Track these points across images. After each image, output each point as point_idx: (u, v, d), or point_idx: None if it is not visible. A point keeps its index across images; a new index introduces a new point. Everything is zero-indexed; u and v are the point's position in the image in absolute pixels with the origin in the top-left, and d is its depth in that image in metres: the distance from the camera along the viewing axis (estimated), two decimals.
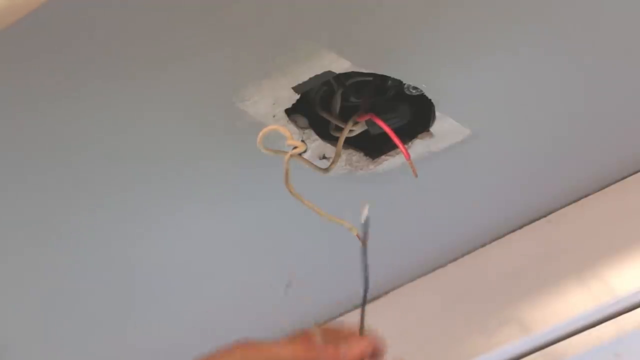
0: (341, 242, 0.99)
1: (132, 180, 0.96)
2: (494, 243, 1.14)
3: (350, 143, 0.97)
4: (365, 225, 0.81)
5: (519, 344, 1.10)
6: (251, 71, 0.86)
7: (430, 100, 0.92)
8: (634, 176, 1.08)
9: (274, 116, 0.91)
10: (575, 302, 1.08)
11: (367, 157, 0.98)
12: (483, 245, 1.14)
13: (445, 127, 0.95)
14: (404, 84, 0.91)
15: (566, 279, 1.09)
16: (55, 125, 0.88)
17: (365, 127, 0.93)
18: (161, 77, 0.85)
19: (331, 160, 0.93)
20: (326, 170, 0.93)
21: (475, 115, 0.95)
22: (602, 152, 1.04)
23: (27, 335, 1.16)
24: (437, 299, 1.16)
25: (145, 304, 1.15)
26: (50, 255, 1.04)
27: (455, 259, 1.16)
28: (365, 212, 0.80)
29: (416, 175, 0.93)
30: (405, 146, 0.94)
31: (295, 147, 0.87)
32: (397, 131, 0.91)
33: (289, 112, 0.91)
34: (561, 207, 1.11)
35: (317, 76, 0.87)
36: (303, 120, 0.93)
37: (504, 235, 1.13)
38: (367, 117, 0.91)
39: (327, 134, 0.94)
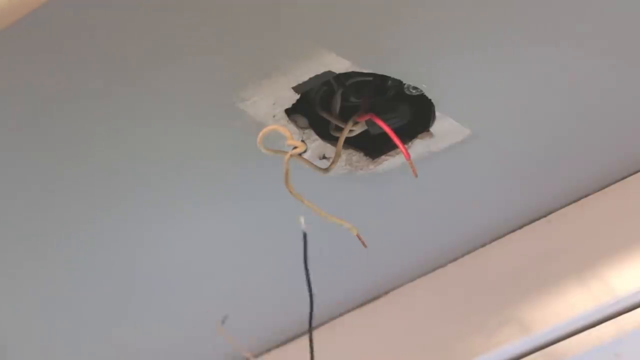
0: (341, 242, 0.99)
1: (131, 180, 0.96)
2: (494, 243, 1.14)
3: (350, 143, 0.97)
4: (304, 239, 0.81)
5: (519, 344, 1.10)
6: (251, 71, 0.86)
7: (430, 100, 0.92)
8: (634, 176, 1.08)
9: (274, 116, 0.91)
10: (575, 302, 1.08)
11: (367, 157, 0.98)
12: (483, 245, 1.14)
13: (445, 127, 0.95)
14: (404, 84, 0.91)
15: (566, 279, 1.09)
16: (55, 126, 0.88)
17: (365, 127, 0.93)
18: (161, 77, 0.85)
19: (331, 160, 0.93)
20: (326, 170, 0.93)
21: (475, 115, 0.95)
22: (602, 152, 1.04)
23: (27, 335, 1.16)
24: (437, 299, 1.16)
25: (145, 304, 1.15)
26: (50, 256, 1.04)
27: (455, 259, 1.16)
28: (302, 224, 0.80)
29: (416, 175, 0.93)
30: (405, 146, 0.94)
31: (295, 147, 0.87)
32: (397, 131, 0.91)
33: (289, 112, 0.91)
34: (561, 207, 1.11)
35: (317, 76, 0.87)
36: (303, 120, 0.93)
37: (504, 235, 1.13)
38: (367, 117, 0.91)
39: (327, 134, 0.94)
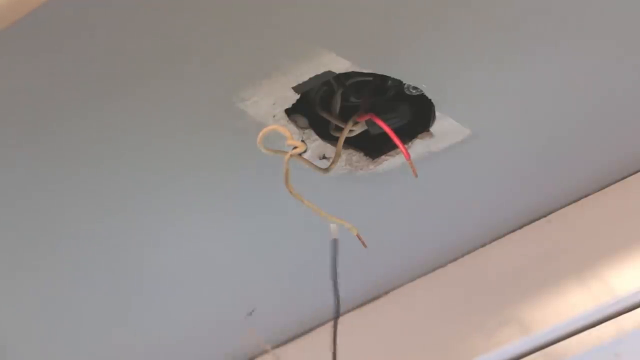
0: (341, 242, 0.99)
1: (131, 180, 0.96)
2: (494, 243, 1.14)
3: (350, 143, 0.97)
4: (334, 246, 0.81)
5: (519, 344, 1.10)
6: (251, 71, 0.86)
7: (430, 100, 0.92)
8: (634, 176, 1.08)
9: (274, 116, 0.91)
10: (575, 302, 1.08)
11: (367, 157, 0.98)
12: (483, 245, 1.14)
13: (445, 127, 0.95)
14: (404, 84, 0.91)
15: (566, 279, 1.09)
16: (55, 127, 0.88)
17: (365, 127, 0.93)
18: (161, 77, 0.85)
19: (331, 160, 0.93)
20: (326, 170, 0.93)
21: (475, 115, 0.95)
22: (602, 152, 1.04)
23: (27, 335, 1.16)
24: (437, 299, 1.16)
25: (145, 304, 1.15)
26: (50, 256, 1.04)
27: (455, 259, 1.16)
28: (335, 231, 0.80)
29: (416, 175, 0.93)
30: (405, 146, 0.94)
31: (295, 147, 0.87)
32: (397, 131, 0.91)
33: (289, 112, 0.91)
34: (561, 207, 1.11)
35: (317, 76, 0.87)
36: (303, 120, 0.93)
37: (504, 235, 1.13)
38: (367, 117, 0.91)
39: (327, 134, 0.95)
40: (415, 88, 0.91)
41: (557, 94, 0.95)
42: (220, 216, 1.04)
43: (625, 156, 1.06)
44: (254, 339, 0.98)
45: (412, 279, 1.18)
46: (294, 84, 0.88)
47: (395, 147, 0.95)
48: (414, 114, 0.94)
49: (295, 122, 0.93)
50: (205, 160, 0.96)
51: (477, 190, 1.07)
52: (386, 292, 1.19)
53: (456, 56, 0.87)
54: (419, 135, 0.96)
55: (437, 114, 0.93)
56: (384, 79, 0.91)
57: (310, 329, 1.21)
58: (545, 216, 1.11)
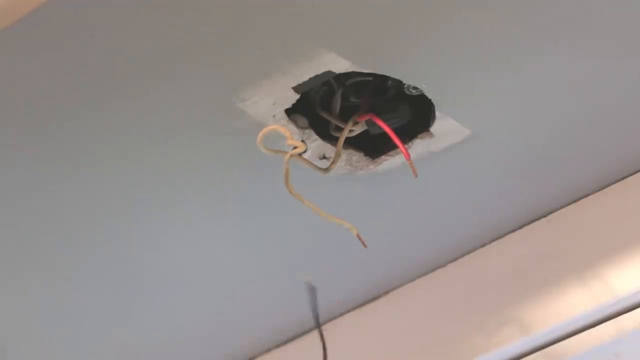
0: (341, 242, 0.99)
1: (130, 179, 0.96)
2: (494, 243, 1.14)
3: (350, 143, 0.97)
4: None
5: (519, 344, 1.10)
6: (251, 71, 0.86)
7: (430, 100, 0.92)
8: (634, 176, 1.08)
9: (274, 116, 0.91)
10: (575, 302, 1.08)
11: (367, 157, 0.98)
12: (483, 245, 1.14)
13: (445, 127, 0.95)
14: (404, 84, 0.91)
15: (566, 279, 1.09)
16: (54, 127, 0.88)
17: (365, 127, 0.93)
18: (161, 77, 0.85)
19: (331, 160, 0.93)
20: (326, 170, 0.93)
21: (475, 115, 0.95)
22: (602, 152, 1.04)
23: (27, 335, 1.16)
24: (437, 299, 1.16)
25: (145, 304, 1.15)
26: (50, 258, 1.04)
27: (455, 259, 1.16)
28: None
29: (416, 175, 0.93)
30: (405, 146, 0.94)
31: (295, 147, 0.87)
32: (397, 131, 0.91)
33: (289, 112, 0.91)
34: (561, 207, 1.11)
35: (317, 76, 0.87)
36: (303, 120, 0.93)
37: (504, 235, 1.13)
38: (367, 117, 0.91)
39: (327, 134, 0.94)
40: (415, 88, 0.91)
41: (557, 94, 0.95)
42: (220, 216, 1.04)
43: (625, 156, 1.06)
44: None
45: (412, 279, 1.18)
46: (294, 84, 0.88)
47: (395, 147, 0.95)
48: (414, 114, 0.94)
49: (295, 122, 0.93)
50: (205, 160, 0.96)
51: (477, 190, 1.07)
52: (386, 292, 1.19)
53: (456, 56, 0.87)
54: (419, 135, 0.96)
55: (437, 114, 0.93)
56: (384, 79, 0.91)
57: (310, 329, 1.21)
58: (545, 216, 1.11)
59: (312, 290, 0.81)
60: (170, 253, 1.08)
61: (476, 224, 1.12)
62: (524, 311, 1.10)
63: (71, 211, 0.99)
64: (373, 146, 0.98)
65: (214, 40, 0.82)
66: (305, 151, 0.88)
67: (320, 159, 0.96)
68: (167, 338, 1.21)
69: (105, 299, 1.12)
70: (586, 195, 1.10)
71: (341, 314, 1.20)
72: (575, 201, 1.10)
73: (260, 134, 0.87)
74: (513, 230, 1.13)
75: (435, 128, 0.95)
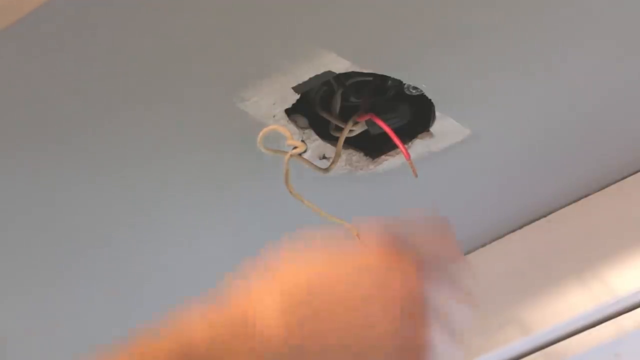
0: None
1: (129, 179, 0.96)
2: (494, 243, 1.14)
3: (350, 143, 0.96)
4: None
5: (519, 344, 1.10)
6: (251, 71, 0.86)
7: (430, 100, 0.92)
8: (634, 176, 1.08)
9: (274, 116, 0.91)
10: (575, 302, 1.08)
11: (367, 157, 0.98)
12: (483, 245, 1.14)
13: (445, 127, 0.95)
14: (404, 84, 0.91)
15: (566, 279, 1.09)
16: (54, 127, 0.88)
17: (365, 127, 0.93)
18: (161, 77, 0.85)
19: (331, 160, 0.93)
20: (326, 170, 0.93)
21: (475, 115, 0.95)
22: (602, 152, 1.04)
23: (27, 335, 1.16)
24: None
25: (146, 304, 1.15)
26: (51, 258, 1.04)
27: None
28: None
29: (416, 175, 0.93)
30: (405, 146, 0.94)
31: (295, 147, 0.87)
32: (397, 131, 0.91)
33: (289, 112, 0.91)
34: (561, 207, 1.11)
35: (317, 76, 0.87)
36: (303, 120, 0.93)
37: (504, 235, 1.13)
38: (367, 117, 0.91)
39: (327, 134, 0.94)
40: (415, 88, 0.91)
41: (557, 95, 0.95)
42: (220, 216, 1.04)
43: (625, 156, 1.06)
44: None
45: None
46: (294, 84, 0.88)
47: (395, 147, 0.95)
48: (414, 114, 0.94)
49: (295, 122, 0.92)
50: (205, 160, 0.96)
51: (477, 190, 1.07)
52: None
53: (457, 56, 0.87)
54: (419, 135, 0.96)
55: (437, 114, 0.93)
56: (384, 79, 0.91)
57: None
58: (545, 216, 1.11)
59: None
60: (170, 253, 1.08)
61: (476, 224, 1.12)
62: (524, 311, 1.10)
63: (71, 212, 0.99)
64: (373, 146, 0.98)
65: (214, 40, 0.82)
66: (305, 151, 0.88)
67: (320, 159, 0.96)
68: None
69: (106, 299, 1.12)
70: (586, 195, 1.09)
71: None
72: (575, 201, 1.10)
73: (261, 134, 0.87)
74: (513, 230, 1.13)
75: (435, 128, 0.95)
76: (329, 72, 0.87)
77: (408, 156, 0.92)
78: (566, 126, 0.99)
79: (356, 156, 0.98)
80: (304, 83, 0.88)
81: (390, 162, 0.98)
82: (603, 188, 1.09)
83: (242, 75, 0.86)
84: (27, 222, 0.99)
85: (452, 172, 1.02)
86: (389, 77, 0.90)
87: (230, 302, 0.62)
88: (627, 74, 0.94)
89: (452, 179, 1.04)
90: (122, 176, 0.95)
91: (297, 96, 0.89)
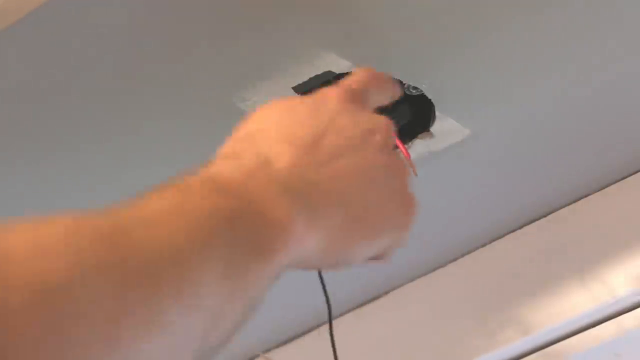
0: None
1: (129, 179, 0.96)
2: (494, 243, 1.14)
3: None
4: None
5: (519, 344, 1.10)
6: (251, 71, 0.86)
7: (430, 100, 0.92)
8: (634, 176, 1.08)
9: None
10: (575, 302, 1.08)
11: None
12: (483, 245, 1.14)
13: (445, 127, 0.95)
14: (404, 84, 0.91)
15: (566, 279, 1.09)
16: (54, 127, 0.88)
17: None
18: (161, 77, 0.85)
19: None
20: None
21: (475, 115, 0.95)
22: (602, 152, 1.04)
23: None
24: (437, 299, 1.16)
25: None
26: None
27: (455, 259, 1.16)
28: None
29: (416, 175, 0.93)
30: (405, 146, 0.94)
31: None
32: (397, 131, 0.91)
33: None
34: (561, 207, 1.11)
35: (317, 76, 0.87)
36: None
37: (504, 235, 1.13)
38: None
39: None
40: (415, 88, 0.91)
41: (557, 95, 0.95)
42: None
43: (625, 156, 1.06)
44: None
45: (412, 279, 1.18)
46: (294, 84, 0.88)
47: (395, 146, 0.94)
48: (414, 114, 0.94)
49: None
50: (205, 160, 0.96)
51: (477, 190, 1.07)
52: (386, 292, 1.19)
53: (457, 56, 0.87)
54: (419, 135, 0.96)
55: (437, 114, 0.93)
56: None
57: (310, 330, 1.21)
58: (545, 216, 1.11)
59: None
60: None
61: (476, 224, 1.12)
62: (524, 311, 1.10)
63: (68, 206, 0.99)
64: None
65: (214, 41, 0.82)
66: None
67: None
68: None
69: None
70: (586, 195, 1.10)
71: (341, 314, 1.20)
72: (575, 201, 1.10)
73: None
74: (513, 230, 1.13)
75: (435, 128, 0.95)
76: (329, 72, 0.87)
77: (408, 156, 0.92)
78: (566, 126, 0.99)
79: None
80: (304, 83, 0.88)
81: None
82: (603, 188, 1.09)
83: (242, 75, 0.86)
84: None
85: (452, 172, 1.02)
86: None
87: None
88: (628, 74, 0.94)
89: (452, 179, 1.04)
90: (122, 177, 0.95)
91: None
